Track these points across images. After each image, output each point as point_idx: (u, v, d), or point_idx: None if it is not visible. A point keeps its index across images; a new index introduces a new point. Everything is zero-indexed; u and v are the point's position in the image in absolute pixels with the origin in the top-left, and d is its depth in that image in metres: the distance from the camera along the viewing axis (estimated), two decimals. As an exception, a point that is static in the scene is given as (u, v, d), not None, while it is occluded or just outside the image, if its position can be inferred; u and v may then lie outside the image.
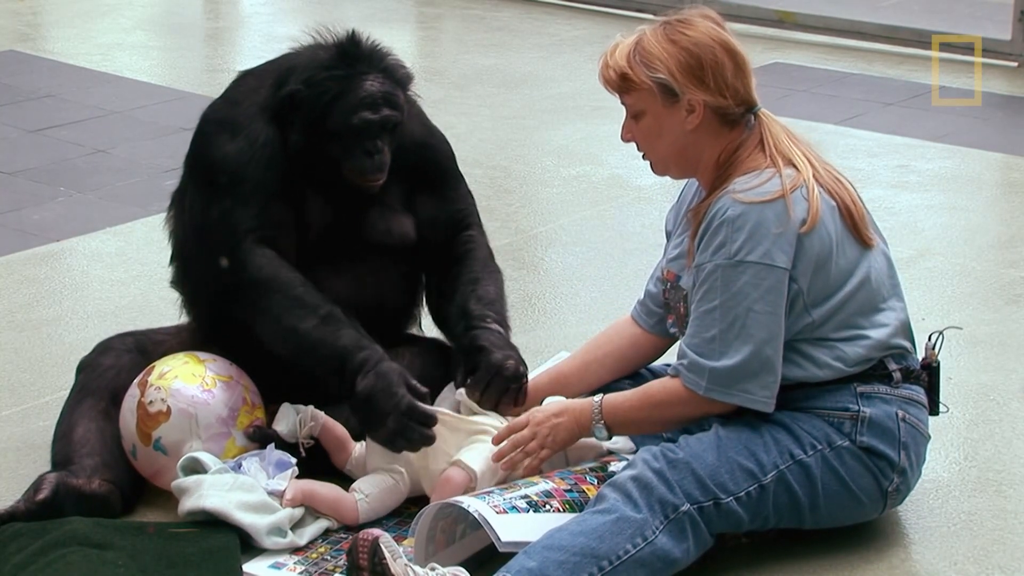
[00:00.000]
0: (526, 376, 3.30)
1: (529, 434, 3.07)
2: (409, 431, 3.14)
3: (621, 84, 3.02)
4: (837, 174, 3.06)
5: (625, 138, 3.10)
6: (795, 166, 2.97)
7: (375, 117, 3.34)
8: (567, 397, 3.25)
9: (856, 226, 3.01)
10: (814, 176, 2.97)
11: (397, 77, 3.41)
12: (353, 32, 3.40)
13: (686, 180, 3.22)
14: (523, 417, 3.11)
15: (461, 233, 3.59)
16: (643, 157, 3.12)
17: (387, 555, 2.75)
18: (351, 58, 3.36)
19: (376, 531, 2.81)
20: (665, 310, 3.24)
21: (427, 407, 3.18)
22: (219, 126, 3.42)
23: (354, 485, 3.21)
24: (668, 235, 3.28)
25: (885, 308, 3.04)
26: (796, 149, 3.01)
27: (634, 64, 3.00)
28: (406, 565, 2.76)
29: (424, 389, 3.20)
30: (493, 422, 3.22)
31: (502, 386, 3.25)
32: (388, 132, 3.38)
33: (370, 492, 3.18)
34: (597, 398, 3.08)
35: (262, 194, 3.34)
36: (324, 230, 3.42)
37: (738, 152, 3.01)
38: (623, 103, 3.06)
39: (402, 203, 3.50)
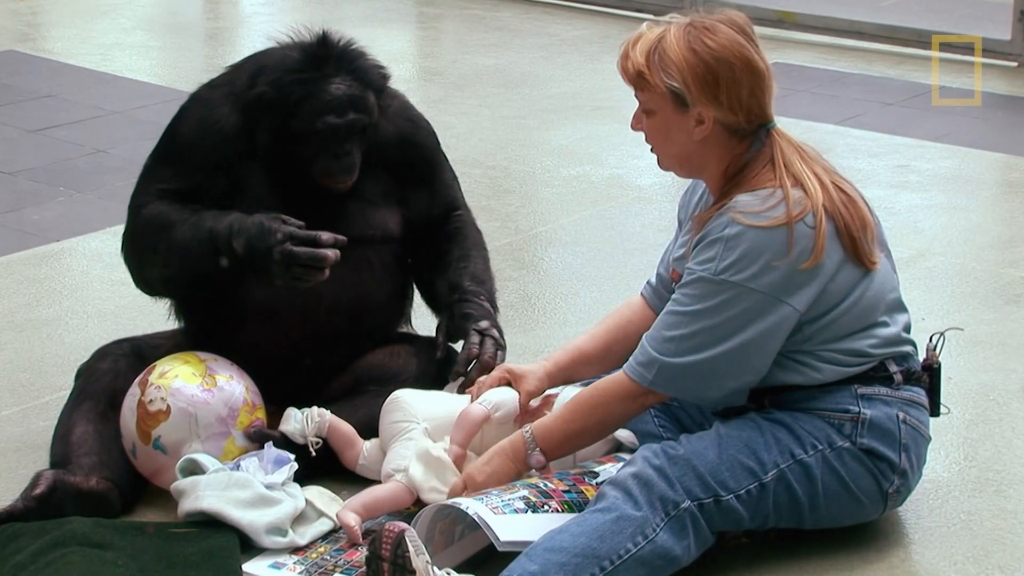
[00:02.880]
0: (502, 349, 3.37)
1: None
2: (296, 256, 3.18)
3: (636, 80, 2.99)
4: (850, 192, 3.01)
5: (635, 127, 3.08)
6: (804, 189, 2.93)
7: (339, 121, 3.34)
8: (587, 376, 3.27)
9: (857, 251, 2.97)
10: (823, 200, 2.92)
11: (368, 79, 3.41)
12: (324, 33, 3.40)
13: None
14: (460, 480, 3.07)
15: (451, 214, 3.64)
16: (651, 150, 3.10)
17: (411, 549, 2.74)
18: (319, 60, 3.37)
19: (403, 524, 2.80)
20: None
21: (310, 231, 3.21)
22: (192, 101, 3.50)
23: (386, 470, 3.18)
24: (680, 221, 3.27)
25: (880, 323, 3.02)
26: (808, 170, 2.96)
27: (652, 64, 2.96)
28: (427, 563, 2.75)
29: (300, 223, 3.23)
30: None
31: (492, 346, 3.35)
32: (356, 135, 3.38)
33: (406, 466, 3.15)
34: (527, 427, 3.07)
35: (193, 166, 3.40)
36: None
37: (746, 170, 2.98)
38: (636, 96, 3.04)
39: (384, 197, 3.51)
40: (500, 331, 3.43)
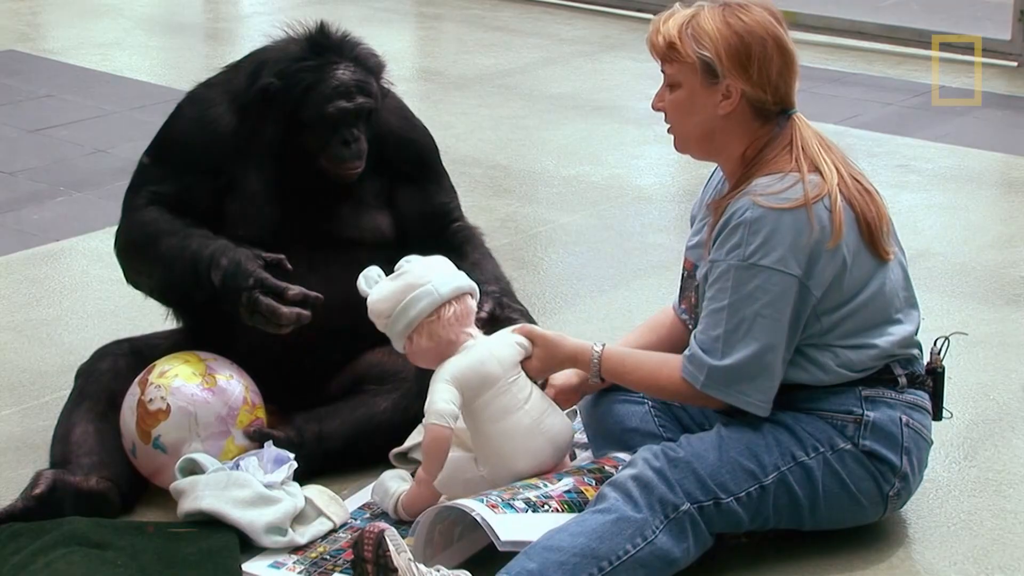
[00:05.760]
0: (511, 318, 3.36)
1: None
2: (259, 304, 3.19)
3: (667, 52, 3.00)
4: (866, 184, 3.02)
5: (656, 106, 3.08)
6: (821, 173, 2.94)
7: (349, 105, 3.37)
8: None
9: (873, 239, 2.98)
10: (839, 185, 2.94)
11: (369, 65, 3.44)
12: (322, 23, 3.43)
13: (712, 170, 3.20)
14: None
15: (451, 224, 3.62)
16: (668, 130, 3.10)
17: (391, 548, 2.75)
18: (321, 48, 3.39)
19: (383, 524, 2.81)
20: (680, 296, 3.24)
21: (281, 283, 3.21)
22: (188, 100, 3.52)
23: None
24: (693, 218, 3.27)
25: (896, 319, 3.03)
26: (824, 156, 2.97)
27: (684, 36, 2.97)
28: (409, 560, 2.76)
29: (280, 256, 3.25)
30: None
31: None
32: (363, 120, 3.40)
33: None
34: (598, 347, 3.08)
35: (186, 166, 3.41)
36: (294, 226, 3.42)
37: (764, 151, 2.98)
38: (662, 71, 3.04)
39: (377, 198, 3.52)
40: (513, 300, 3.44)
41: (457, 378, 3.06)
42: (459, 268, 3.27)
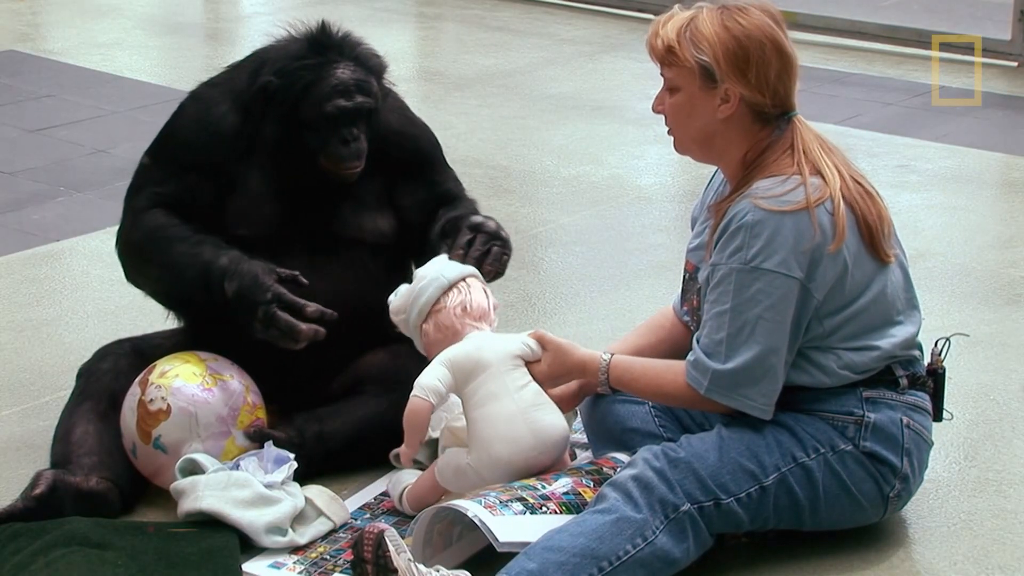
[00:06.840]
0: (508, 241, 3.36)
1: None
2: (276, 320, 3.19)
3: (665, 56, 3.00)
4: (867, 187, 3.02)
5: (656, 109, 3.08)
6: (822, 176, 2.95)
7: (349, 104, 3.37)
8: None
9: (875, 242, 2.98)
10: (841, 189, 2.94)
11: (369, 65, 3.44)
12: (323, 22, 3.43)
13: (712, 172, 3.20)
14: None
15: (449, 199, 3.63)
16: (668, 133, 3.09)
17: (391, 548, 2.76)
18: (322, 47, 3.40)
19: (383, 525, 2.82)
20: (682, 298, 3.25)
21: (298, 299, 3.21)
22: (190, 99, 3.52)
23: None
24: (694, 220, 3.27)
25: (897, 321, 3.03)
26: (826, 159, 2.97)
27: (683, 40, 2.97)
28: (409, 560, 2.76)
29: (295, 272, 3.25)
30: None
31: (485, 240, 3.32)
32: (363, 119, 3.40)
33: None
34: (606, 356, 3.08)
35: (188, 165, 3.41)
36: (295, 225, 3.42)
37: (765, 154, 2.98)
38: (662, 74, 3.04)
39: (378, 198, 3.51)
40: (497, 222, 3.38)
41: (451, 359, 3.11)
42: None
